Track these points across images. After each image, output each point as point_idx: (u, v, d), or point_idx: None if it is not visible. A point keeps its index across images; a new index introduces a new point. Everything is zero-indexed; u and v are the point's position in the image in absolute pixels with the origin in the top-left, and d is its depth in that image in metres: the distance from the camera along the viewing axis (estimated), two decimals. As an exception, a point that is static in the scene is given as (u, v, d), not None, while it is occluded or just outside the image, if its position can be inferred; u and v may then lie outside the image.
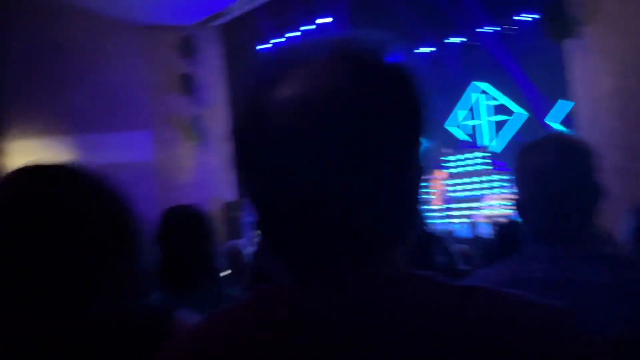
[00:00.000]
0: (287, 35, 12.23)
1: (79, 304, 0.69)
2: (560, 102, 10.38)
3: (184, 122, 10.64)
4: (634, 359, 0.80)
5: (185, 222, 1.63)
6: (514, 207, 1.08)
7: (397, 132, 0.48)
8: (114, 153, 10.17)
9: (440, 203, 10.86)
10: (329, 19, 11.71)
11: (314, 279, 0.49)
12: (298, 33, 12.16)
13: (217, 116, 11.39)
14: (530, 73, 11.00)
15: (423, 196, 0.54)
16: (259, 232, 0.57)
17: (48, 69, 9.92)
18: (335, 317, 0.46)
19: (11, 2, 9.65)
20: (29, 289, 0.67)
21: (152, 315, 0.77)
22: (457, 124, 13.86)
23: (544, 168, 0.98)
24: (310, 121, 0.45)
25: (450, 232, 7.66)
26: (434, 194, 10.67)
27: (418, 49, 13.78)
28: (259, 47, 12.72)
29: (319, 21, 11.74)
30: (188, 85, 10.52)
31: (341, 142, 0.44)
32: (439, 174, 11.42)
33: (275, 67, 0.52)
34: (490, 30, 11.83)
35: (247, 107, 0.53)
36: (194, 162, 11.02)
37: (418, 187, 0.51)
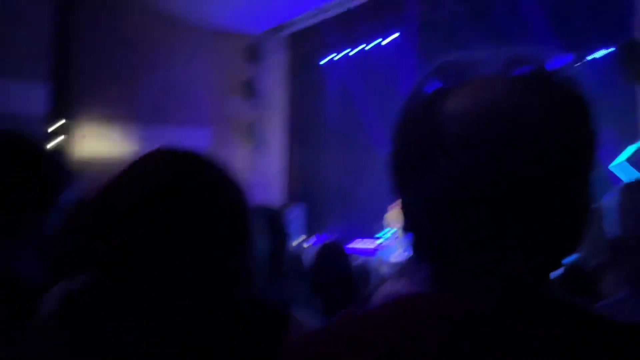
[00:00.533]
0: (353, 49, 12.32)
1: (209, 290, 0.71)
2: (629, 147, 9.87)
3: (243, 125, 10.91)
4: None
5: (266, 221, 1.65)
6: (610, 247, 1.04)
7: (579, 156, 0.48)
8: (173, 145, 10.51)
9: None
10: (396, 34, 11.68)
11: (476, 290, 0.47)
12: (363, 45, 12.21)
13: (275, 122, 11.62)
14: (598, 110, 10.54)
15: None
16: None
17: (121, 61, 10.45)
18: (509, 341, 0.43)
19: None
20: (165, 272, 0.69)
21: (271, 308, 0.77)
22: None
23: None
24: (491, 136, 0.45)
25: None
26: None
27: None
28: (322, 61, 12.87)
29: (386, 40, 11.74)
30: (250, 90, 10.80)
31: (529, 159, 0.44)
32: None
33: (444, 79, 0.52)
34: (560, 60, 11.41)
35: (417, 117, 0.51)
36: (247, 164, 11.26)
37: (586, 216, 0.50)
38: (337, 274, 2.11)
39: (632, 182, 1.03)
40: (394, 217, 11.62)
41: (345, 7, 10.14)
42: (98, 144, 10.51)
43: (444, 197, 0.45)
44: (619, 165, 10.17)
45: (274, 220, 1.71)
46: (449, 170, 0.45)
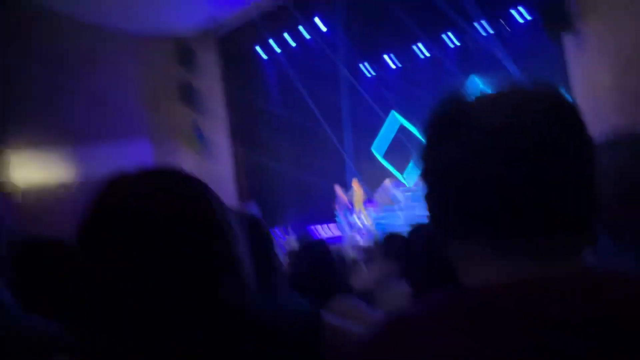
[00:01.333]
0: (285, 43, 12.27)
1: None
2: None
3: (185, 131, 10.63)
4: None
5: (251, 226, 1.62)
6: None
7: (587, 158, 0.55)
8: (112, 163, 10.11)
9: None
10: (324, 29, 11.76)
11: (530, 279, 0.50)
12: (292, 41, 12.21)
13: (218, 124, 11.40)
14: (528, 70, 11.04)
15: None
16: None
17: (46, 80, 9.89)
18: (573, 324, 0.46)
19: (7, 14, 9.64)
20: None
21: (302, 314, 0.75)
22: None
23: (621, 166, 0.99)
24: (523, 145, 0.52)
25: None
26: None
27: (415, 49, 13.85)
28: (257, 58, 12.74)
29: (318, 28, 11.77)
30: (187, 94, 10.51)
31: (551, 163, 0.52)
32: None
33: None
34: (486, 28, 11.86)
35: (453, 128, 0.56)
36: (195, 169, 10.99)
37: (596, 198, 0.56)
38: (325, 272, 2.07)
39: (606, 141, 1.07)
40: (358, 197, 11.78)
41: (275, 2, 10.05)
42: (31, 171, 9.96)
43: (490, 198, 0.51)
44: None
45: (255, 226, 1.66)
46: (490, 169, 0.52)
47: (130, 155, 10.41)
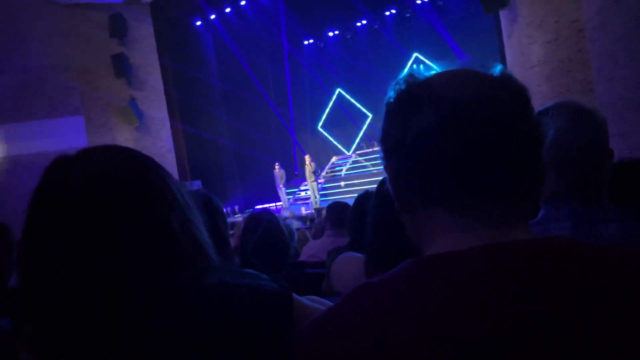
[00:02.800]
0: (222, 9, 11.89)
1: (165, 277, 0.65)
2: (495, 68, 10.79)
3: (120, 105, 10.19)
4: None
5: (203, 203, 1.58)
6: None
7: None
8: (43, 141, 9.65)
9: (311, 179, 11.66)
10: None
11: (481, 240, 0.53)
12: (228, 9, 11.86)
13: (154, 97, 10.99)
14: (465, 43, 11.31)
15: None
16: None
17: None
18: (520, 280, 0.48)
19: None
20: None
21: (273, 294, 0.74)
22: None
23: (560, 133, 1.02)
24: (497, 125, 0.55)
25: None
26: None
27: (356, 22, 13.84)
28: (192, 25, 12.31)
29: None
30: (121, 67, 10.03)
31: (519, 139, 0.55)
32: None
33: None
34: (424, 1, 12.01)
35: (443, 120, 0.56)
36: (132, 146, 10.61)
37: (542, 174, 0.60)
38: (275, 239, 2.06)
39: (539, 110, 1.11)
40: (308, 171, 11.82)
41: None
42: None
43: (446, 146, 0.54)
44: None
45: (209, 202, 1.62)
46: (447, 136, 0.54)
47: (63, 132, 9.91)
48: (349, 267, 1.88)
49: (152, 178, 0.68)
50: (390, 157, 0.60)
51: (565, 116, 1.03)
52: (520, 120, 0.55)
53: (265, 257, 1.97)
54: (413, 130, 0.56)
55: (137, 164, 0.68)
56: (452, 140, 0.54)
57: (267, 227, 2.05)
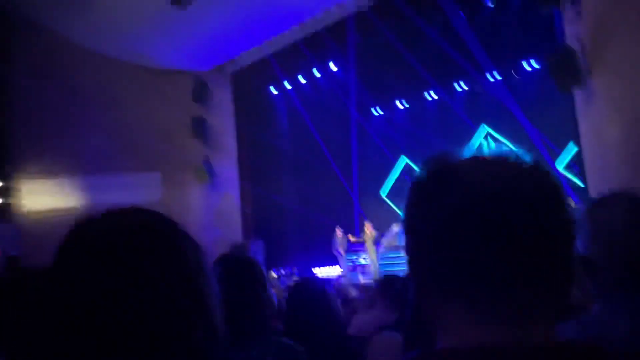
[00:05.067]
0: (298, 80, 12.54)
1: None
2: (569, 146, 10.50)
3: (194, 163, 10.75)
4: None
5: (240, 268, 1.57)
6: (582, 262, 1.06)
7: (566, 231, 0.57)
8: (122, 194, 10.21)
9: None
10: (335, 67, 12.03)
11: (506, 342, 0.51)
12: (304, 81, 12.48)
13: (227, 158, 11.53)
14: (537, 120, 11.13)
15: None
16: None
17: (62, 110, 10.12)
18: None
19: (28, 43, 9.96)
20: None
21: None
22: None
23: (618, 227, 0.98)
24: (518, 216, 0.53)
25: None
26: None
27: (425, 94, 14.05)
28: (268, 95, 13.01)
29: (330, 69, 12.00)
30: (200, 129, 10.68)
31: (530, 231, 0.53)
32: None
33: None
34: (495, 76, 12.03)
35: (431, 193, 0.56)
36: (202, 202, 11.05)
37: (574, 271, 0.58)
38: (319, 309, 1.97)
39: (595, 199, 1.08)
40: (367, 237, 11.73)
41: (287, 41, 10.34)
42: (43, 200, 10.05)
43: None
44: (564, 167, 10.77)
45: (249, 267, 1.62)
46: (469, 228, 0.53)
47: (140, 186, 10.50)
48: (386, 348, 1.81)
49: (170, 243, 0.69)
50: (409, 236, 0.58)
51: (625, 207, 0.98)
52: (546, 216, 0.53)
53: (306, 326, 1.87)
54: (432, 217, 0.54)
55: (159, 229, 0.70)
56: (471, 230, 0.52)
57: (311, 296, 1.94)
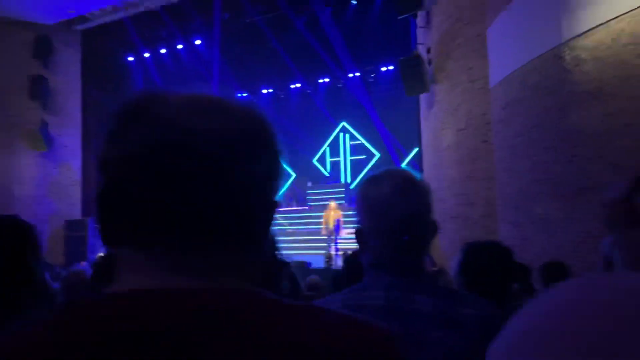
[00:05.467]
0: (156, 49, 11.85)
1: None
2: (414, 149, 11.42)
3: (29, 128, 9.60)
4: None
5: (7, 232, 1.41)
6: (356, 237, 1.09)
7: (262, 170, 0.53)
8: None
9: (327, 233, 11.03)
10: (199, 42, 11.62)
11: (154, 284, 0.46)
12: (163, 50, 11.87)
13: (69, 125, 10.47)
14: (388, 120, 11.93)
15: (274, 227, 0.56)
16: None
17: None
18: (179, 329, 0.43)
19: None
20: None
21: None
22: (323, 159, 14.54)
23: (383, 201, 1.01)
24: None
25: (304, 263, 7.81)
26: (324, 223, 10.87)
27: (290, 84, 14.26)
28: (122, 60, 12.09)
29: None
30: (38, 89, 9.55)
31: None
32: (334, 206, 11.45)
33: None
34: (356, 75, 12.62)
35: None
36: (36, 172, 9.95)
37: (266, 210, 0.54)
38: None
39: (369, 175, 1.14)
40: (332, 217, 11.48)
41: (147, 7, 9.69)
42: None
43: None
44: (405, 165, 11.68)
45: (21, 231, 1.48)
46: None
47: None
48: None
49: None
50: (99, 173, 0.52)
51: (391, 185, 1.03)
52: (233, 162, 0.49)
53: None
54: (121, 147, 0.49)
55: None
56: (148, 169, 0.47)
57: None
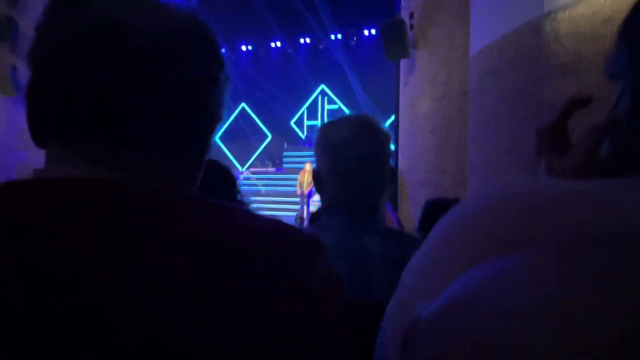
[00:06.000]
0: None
1: None
2: (391, 117, 11.42)
3: (-3, 71, 9.25)
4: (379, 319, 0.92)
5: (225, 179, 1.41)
6: (313, 179, 1.10)
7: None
8: None
9: (300, 193, 11.00)
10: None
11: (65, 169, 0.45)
12: None
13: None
14: (368, 85, 11.87)
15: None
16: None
17: None
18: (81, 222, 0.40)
19: None
20: None
21: None
22: (301, 122, 14.47)
23: (341, 142, 1.02)
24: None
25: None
26: (299, 183, 10.83)
27: (270, 42, 13.97)
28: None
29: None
30: (6, 31, 9.15)
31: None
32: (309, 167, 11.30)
33: None
34: (337, 37, 12.45)
35: None
36: (4, 119, 9.64)
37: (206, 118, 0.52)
38: None
39: (329, 120, 1.15)
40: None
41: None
42: None
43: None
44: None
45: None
46: None
47: None
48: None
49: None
50: (29, 67, 0.50)
51: (349, 127, 1.04)
52: (165, 59, 0.47)
53: None
54: (51, 37, 0.47)
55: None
56: (76, 59, 0.45)
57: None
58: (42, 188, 0.43)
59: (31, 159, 10.28)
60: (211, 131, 0.54)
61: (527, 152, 5.03)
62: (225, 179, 1.50)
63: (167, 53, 0.47)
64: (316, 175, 1.08)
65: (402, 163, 7.80)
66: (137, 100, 0.46)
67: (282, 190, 12.32)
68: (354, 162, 1.02)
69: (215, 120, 0.54)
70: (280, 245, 0.47)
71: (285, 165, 13.23)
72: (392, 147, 8.96)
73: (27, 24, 9.69)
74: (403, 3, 7.90)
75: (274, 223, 0.49)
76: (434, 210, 1.62)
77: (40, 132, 0.50)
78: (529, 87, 5.11)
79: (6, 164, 9.35)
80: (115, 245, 0.40)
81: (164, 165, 0.49)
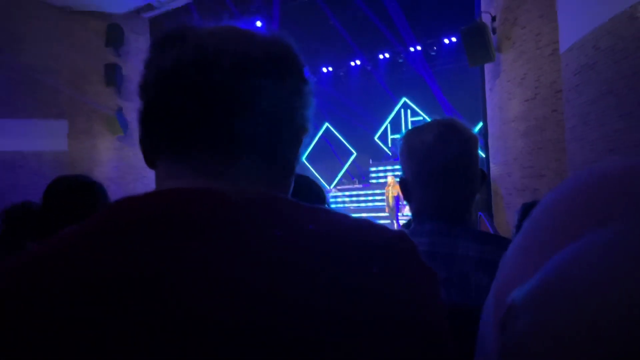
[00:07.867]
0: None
1: None
2: (479, 124, 11.07)
3: (106, 113, 10.20)
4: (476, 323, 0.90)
5: (75, 191, 1.51)
6: (400, 187, 1.09)
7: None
8: (24, 141, 9.57)
9: (389, 211, 11.02)
10: (259, 23, 11.78)
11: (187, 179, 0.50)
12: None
13: (142, 110, 10.99)
14: (451, 93, 11.60)
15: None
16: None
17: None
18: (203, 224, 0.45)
19: None
20: None
21: None
22: (385, 137, 14.43)
23: (424, 147, 1.01)
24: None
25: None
26: (386, 200, 10.89)
27: (350, 61, 14.16)
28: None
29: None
30: (113, 77, 10.09)
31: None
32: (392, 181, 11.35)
33: None
34: (417, 48, 12.33)
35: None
36: (113, 155, 10.58)
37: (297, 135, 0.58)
38: None
39: (413, 127, 1.12)
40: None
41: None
42: None
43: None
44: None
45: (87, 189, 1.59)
46: None
47: (44, 133, 9.85)
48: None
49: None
50: (140, 99, 0.55)
51: (432, 131, 1.03)
52: (258, 78, 0.52)
53: None
54: (157, 70, 0.53)
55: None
56: (181, 85, 0.51)
57: None
58: (184, 194, 0.48)
59: (137, 190, 11.11)
60: (299, 142, 0.58)
61: (634, 148, 4.66)
62: (314, 193, 1.53)
63: (257, 72, 0.53)
64: (403, 183, 1.07)
65: (495, 170, 7.51)
66: (235, 116, 0.51)
67: (370, 206, 12.32)
68: (439, 166, 1.00)
69: (302, 131, 0.58)
70: (379, 239, 0.50)
71: (371, 181, 13.23)
72: (482, 154, 8.64)
73: (129, 69, 10.65)
74: (483, 7, 7.70)
75: (369, 223, 0.53)
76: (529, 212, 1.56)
77: (152, 153, 0.55)
78: (630, 80, 4.75)
79: (116, 196, 10.18)
80: (258, 250, 0.45)
81: (267, 178, 0.54)
